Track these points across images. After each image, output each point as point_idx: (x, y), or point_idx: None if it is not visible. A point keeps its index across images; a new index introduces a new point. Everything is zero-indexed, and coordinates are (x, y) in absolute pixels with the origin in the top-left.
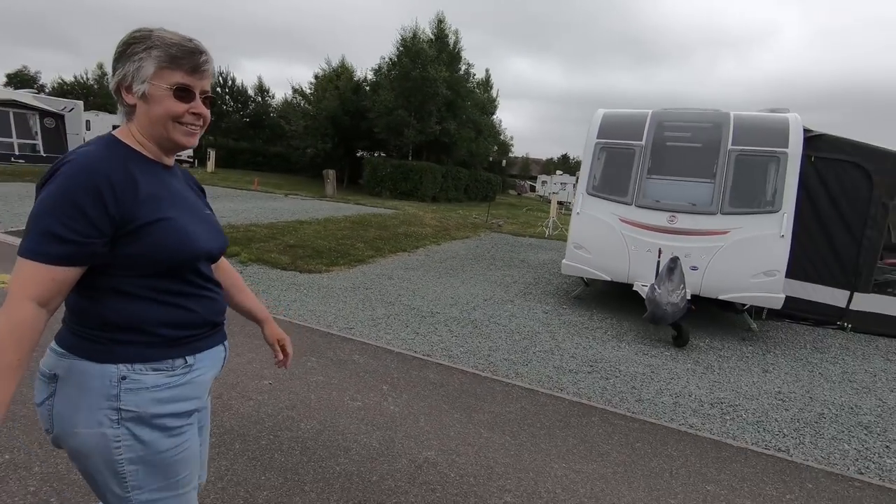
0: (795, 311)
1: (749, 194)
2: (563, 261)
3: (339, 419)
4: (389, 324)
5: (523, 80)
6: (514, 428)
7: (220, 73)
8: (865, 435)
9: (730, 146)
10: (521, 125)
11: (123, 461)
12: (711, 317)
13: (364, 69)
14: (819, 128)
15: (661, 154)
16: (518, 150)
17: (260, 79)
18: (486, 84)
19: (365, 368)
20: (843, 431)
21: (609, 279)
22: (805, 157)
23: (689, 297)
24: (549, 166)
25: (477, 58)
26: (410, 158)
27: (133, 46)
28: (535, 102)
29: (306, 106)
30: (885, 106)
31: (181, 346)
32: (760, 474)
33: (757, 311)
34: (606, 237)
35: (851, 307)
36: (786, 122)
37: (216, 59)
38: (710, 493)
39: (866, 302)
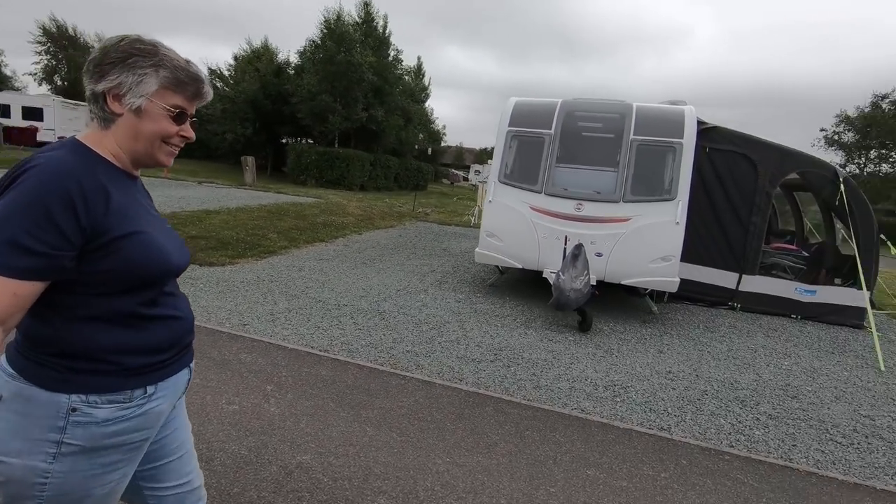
0: (693, 293)
1: (648, 183)
2: (477, 249)
3: (208, 426)
4: (289, 318)
5: (459, 70)
6: (403, 424)
7: None
8: (740, 409)
9: (631, 136)
10: (457, 115)
11: (44, 497)
12: (618, 301)
13: (288, 51)
14: (728, 124)
15: (569, 143)
16: (452, 140)
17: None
18: (418, 72)
19: (251, 368)
20: (722, 407)
21: (520, 267)
22: (700, 148)
23: (593, 283)
24: (483, 155)
25: (411, 46)
26: (337, 145)
27: (137, 59)
28: (471, 92)
29: (224, 88)
30: (787, 104)
31: (143, 374)
32: (640, 454)
33: (659, 295)
34: (517, 225)
35: (740, 288)
36: (682, 114)
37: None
38: (589, 477)
39: (753, 283)
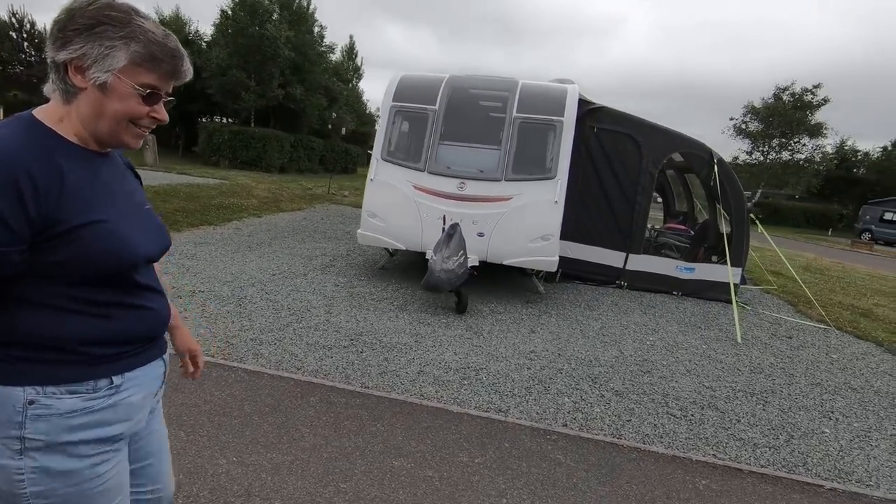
0: (583, 272)
1: (529, 161)
2: (359, 231)
3: None
4: None
5: (399, 53)
6: (200, 421)
7: (14, 14)
8: (589, 386)
9: (514, 114)
10: None
11: (28, 496)
12: (508, 281)
13: (198, 22)
14: (652, 116)
15: (453, 119)
16: None
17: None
18: (351, 51)
19: None
20: (571, 385)
21: (404, 248)
22: (588, 129)
23: (475, 264)
24: None
25: (346, 24)
26: (253, 125)
27: (105, 28)
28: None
29: None
30: (703, 98)
31: (106, 364)
32: (463, 440)
33: (550, 275)
34: (400, 205)
35: (627, 267)
36: (564, 92)
37: None
38: (393, 468)
39: (638, 262)
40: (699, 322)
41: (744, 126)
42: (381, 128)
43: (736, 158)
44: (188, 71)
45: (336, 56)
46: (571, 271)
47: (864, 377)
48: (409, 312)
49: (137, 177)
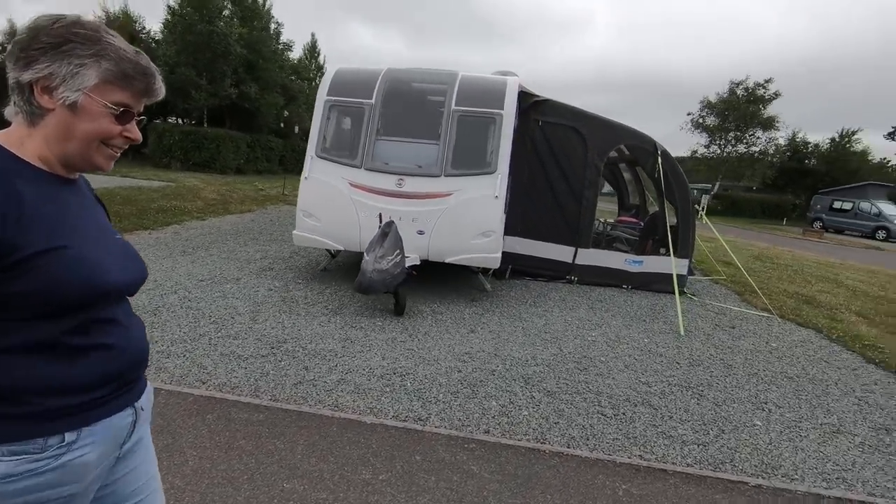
0: (533, 268)
1: (469, 156)
2: (294, 231)
3: None
4: None
5: (364, 51)
6: None
7: None
8: (521, 388)
9: (453, 107)
10: None
11: None
12: (455, 280)
13: (144, 18)
14: (614, 110)
15: (391, 113)
16: None
17: (11, 22)
18: (313, 50)
19: None
20: (501, 387)
21: (342, 248)
22: (534, 122)
23: (416, 263)
24: None
25: (308, 22)
26: (206, 125)
27: (74, 45)
28: None
29: None
30: (666, 93)
31: (62, 418)
32: (370, 455)
33: (499, 272)
34: (336, 203)
35: (577, 262)
36: (504, 84)
37: None
38: (284, 491)
39: (587, 256)
40: (645, 315)
41: (701, 121)
42: (314, 123)
43: (695, 152)
44: (160, 89)
45: (297, 54)
46: (521, 267)
47: (801, 365)
48: (343, 316)
49: (104, 208)
